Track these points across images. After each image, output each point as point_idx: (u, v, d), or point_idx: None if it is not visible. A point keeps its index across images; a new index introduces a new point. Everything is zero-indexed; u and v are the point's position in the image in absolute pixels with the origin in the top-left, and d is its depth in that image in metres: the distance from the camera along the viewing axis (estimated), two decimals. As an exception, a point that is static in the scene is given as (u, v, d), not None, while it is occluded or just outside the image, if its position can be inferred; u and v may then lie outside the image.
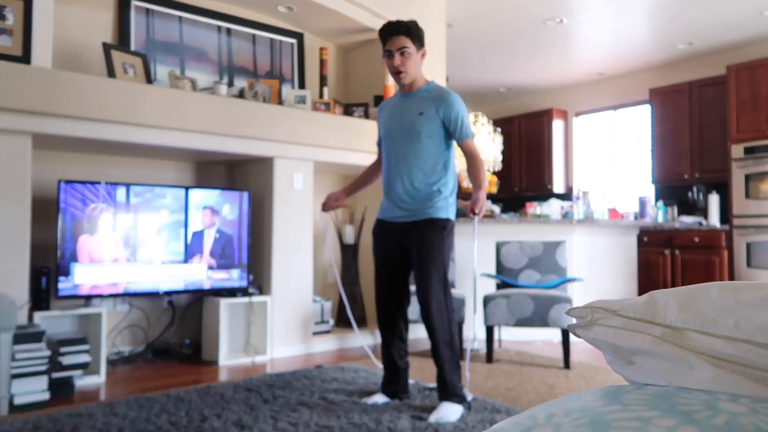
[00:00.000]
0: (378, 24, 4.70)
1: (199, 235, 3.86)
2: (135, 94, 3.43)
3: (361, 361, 3.85)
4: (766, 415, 0.54)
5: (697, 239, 5.84)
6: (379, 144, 2.99)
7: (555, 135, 7.76)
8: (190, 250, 3.82)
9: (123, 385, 3.24)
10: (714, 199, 6.05)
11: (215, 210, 3.92)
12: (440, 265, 2.68)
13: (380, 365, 3.14)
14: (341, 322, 4.71)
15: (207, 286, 3.88)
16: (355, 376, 3.33)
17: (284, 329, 4.07)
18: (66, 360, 3.04)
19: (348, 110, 4.67)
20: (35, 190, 3.40)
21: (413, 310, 3.67)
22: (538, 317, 3.71)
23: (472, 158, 2.78)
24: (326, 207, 3.11)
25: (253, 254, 4.11)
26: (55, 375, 3.01)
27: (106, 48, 3.60)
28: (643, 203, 6.14)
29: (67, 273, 3.35)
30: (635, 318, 0.71)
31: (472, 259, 4.26)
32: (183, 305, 4.12)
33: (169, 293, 3.82)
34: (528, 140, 8.01)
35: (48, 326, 3.22)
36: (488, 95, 8.10)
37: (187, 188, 3.84)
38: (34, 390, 2.85)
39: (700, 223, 6.02)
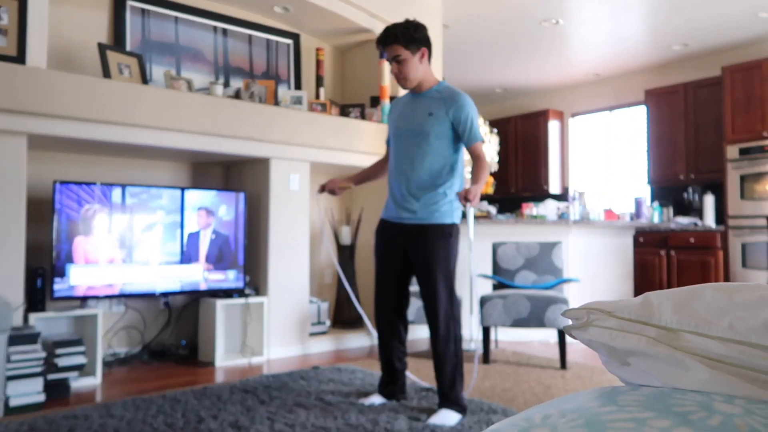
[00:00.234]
0: (374, 24, 4.71)
1: (195, 236, 3.85)
2: (130, 94, 3.42)
3: (358, 362, 3.85)
4: (760, 416, 0.54)
5: (692, 240, 5.86)
6: (388, 142, 2.95)
7: (551, 136, 7.78)
8: (186, 251, 3.81)
9: (119, 387, 3.23)
10: (709, 200, 6.08)
11: (210, 211, 3.91)
12: (447, 273, 2.65)
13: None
14: (338, 323, 4.71)
15: (203, 287, 3.87)
16: (352, 377, 3.33)
17: (281, 330, 4.06)
18: (61, 361, 3.03)
19: (344, 111, 4.67)
20: (30, 190, 3.39)
21: (411, 311, 3.67)
22: (535, 318, 3.71)
23: (478, 161, 2.70)
24: (324, 188, 2.94)
25: (249, 255, 4.11)
26: (51, 376, 3.00)
27: (102, 48, 3.59)
28: (638, 204, 6.16)
29: (62, 274, 3.34)
30: (630, 319, 0.71)
31: (469, 258, 4.27)
32: (179, 306, 4.11)
33: (165, 294, 3.82)
34: (524, 141, 8.02)
35: (43, 328, 3.21)
36: (484, 96, 8.11)
37: (183, 189, 3.84)
38: (29, 392, 2.84)
39: (696, 224, 6.04)
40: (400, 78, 2.71)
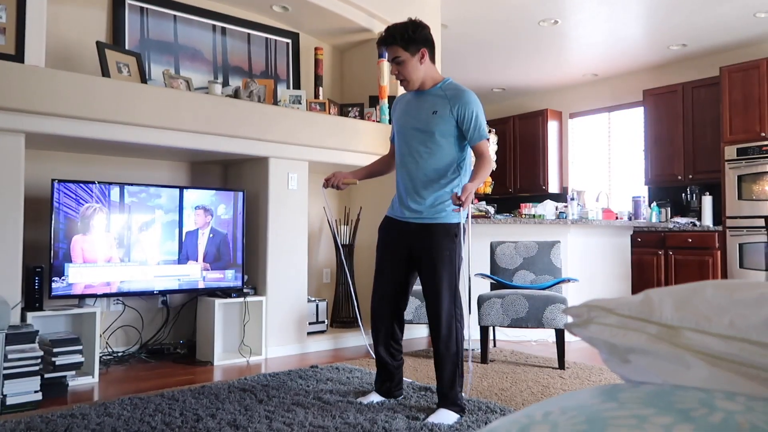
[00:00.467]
0: (373, 24, 4.71)
1: (193, 235, 3.85)
2: (129, 93, 3.41)
3: (357, 361, 3.85)
4: (762, 413, 0.54)
5: (690, 240, 5.87)
6: (392, 139, 2.92)
7: (550, 136, 7.79)
8: (185, 250, 3.81)
9: (117, 386, 3.23)
10: (707, 200, 6.09)
11: (208, 210, 3.91)
12: (452, 273, 2.63)
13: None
14: (336, 322, 4.71)
15: (201, 286, 3.86)
16: (350, 376, 3.33)
17: (279, 329, 4.06)
18: (59, 360, 3.03)
19: (343, 110, 4.66)
20: (28, 189, 3.38)
21: (409, 310, 3.66)
22: (533, 317, 3.72)
23: (481, 159, 2.65)
24: (329, 183, 2.87)
25: (247, 254, 4.11)
26: (48, 375, 2.99)
27: (100, 47, 3.58)
28: (636, 204, 6.16)
29: (60, 273, 3.33)
30: (631, 316, 0.71)
31: (466, 258, 4.26)
32: (177, 305, 4.11)
33: (163, 293, 3.81)
34: (523, 141, 8.03)
35: (41, 326, 3.20)
36: (483, 96, 8.11)
37: (181, 188, 3.83)
38: (26, 390, 2.83)
39: (694, 224, 6.05)
40: (401, 80, 2.70)
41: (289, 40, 4.82)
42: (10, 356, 2.79)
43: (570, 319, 0.79)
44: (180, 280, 3.78)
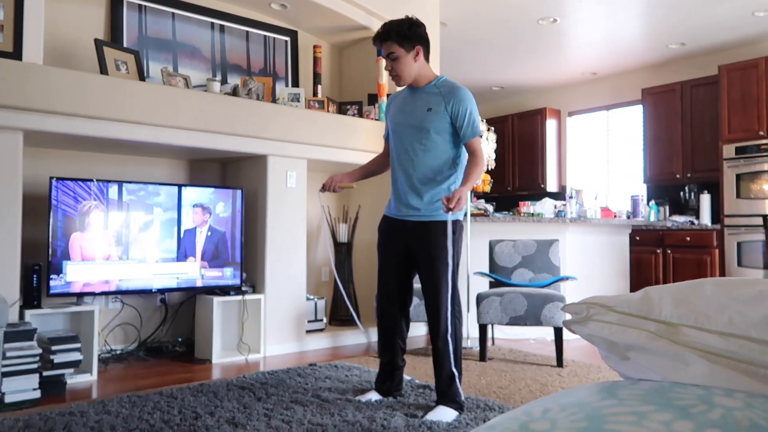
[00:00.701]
0: (372, 22, 4.71)
1: (191, 233, 3.84)
2: (127, 90, 3.41)
3: (355, 359, 3.85)
4: (761, 410, 0.54)
5: (688, 238, 5.87)
6: (387, 138, 2.92)
7: (548, 134, 7.79)
8: (183, 248, 3.81)
9: (115, 384, 3.23)
10: (705, 199, 6.09)
11: (206, 207, 3.91)
12: (450, 273, 2.63)
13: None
14: (335, 320, 4.71)
15: (200, 284, 3.86)
16: (349, 374, 3.33)
17: (277, 327, 4.06)
18: (57, 358, 3.02)
19: (342, 108, 4.66)
20: (26, 187, 3.37)
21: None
22: (532, 316, 3.72)
23: (473, 157, 2.67)
24: (326, 187, 2.90)
25: (246, 252, 4.10)
26: (47, 373, 2.99)
27: (98, 44, 3.58)
28: (635, 202, 6.17)
29: (58, 271, 3.33)
30: (630, 314, 0.71)
31: (465, 257, 4.26)
32: (176, 303, 4.10)
33: (161, 291, 3.81)
34: (521, 139, 8.03)
35: (39, 324, 3.20)
36: (481, 94, 8.10)
37: (180, 186, 3.83)
38: (25, 388, 2.83)
39: (692, 223, 6.06)
40: (394, 75, 2.72)
41: (287, 38, 4.82)
42: (8, 354, 2.78)
43: (569, 317, 0.79)
44: (178, 278, 3.78)
